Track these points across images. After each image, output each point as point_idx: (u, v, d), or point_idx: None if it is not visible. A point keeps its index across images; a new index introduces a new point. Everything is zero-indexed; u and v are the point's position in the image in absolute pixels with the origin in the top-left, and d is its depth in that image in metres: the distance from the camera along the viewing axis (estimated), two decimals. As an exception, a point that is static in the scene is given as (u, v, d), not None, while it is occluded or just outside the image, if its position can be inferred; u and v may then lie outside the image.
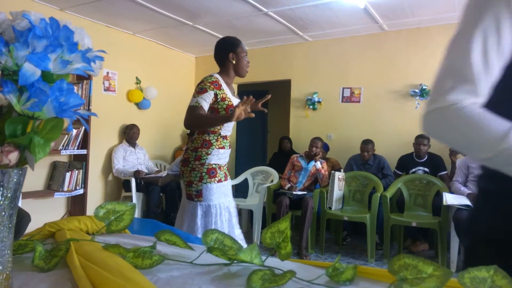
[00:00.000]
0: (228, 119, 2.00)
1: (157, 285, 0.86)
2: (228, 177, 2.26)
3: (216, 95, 2.08)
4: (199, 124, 2.10)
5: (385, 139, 4.49)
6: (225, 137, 2.19)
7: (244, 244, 2.20)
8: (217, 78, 2.12)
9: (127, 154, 4.63)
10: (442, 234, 3.24)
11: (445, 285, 0.73)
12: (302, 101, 5.18)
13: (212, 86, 2.08)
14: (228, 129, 2.20)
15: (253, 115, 1.99)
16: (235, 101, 2.16)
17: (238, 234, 2.21)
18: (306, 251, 3.61)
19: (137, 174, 4.39)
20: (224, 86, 2.14)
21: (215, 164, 2.13)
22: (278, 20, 4.29)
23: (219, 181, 2.15)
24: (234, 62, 2.17)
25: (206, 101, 2.05)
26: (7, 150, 0.72)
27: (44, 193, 3.90)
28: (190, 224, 2.10)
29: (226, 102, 2.11)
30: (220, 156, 2.17)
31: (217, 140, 2.14)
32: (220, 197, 2.14)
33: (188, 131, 5.21)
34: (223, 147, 2.17)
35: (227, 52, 2.17)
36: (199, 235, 1.99)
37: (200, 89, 2.07)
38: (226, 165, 2.26)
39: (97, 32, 4.39)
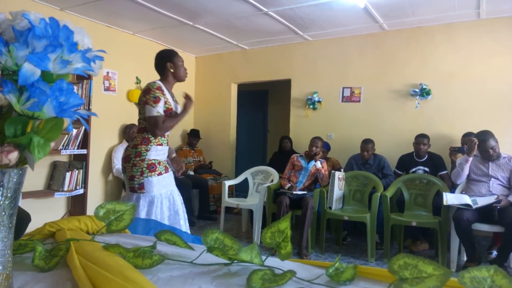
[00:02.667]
0: (183, 114, 2.42)
1: (157, 284, 0.86)
2: (169, 170, 2.50)
3: (162, 99, 2.36)
4: (167, 129, 2.38)
5: (385, 139, 4.49)
6: (162, 135, 2.43)
7: (188, 230, 2.42)
8: (160, 85, 2.39)
9: (127, 154, 4.63)
10: (442, 233, 3.24)
11: (445, 285, 0.73)
12: (302, 101, 5.18)
13: (160, 93, 2.35)
14: None
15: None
16: (173, 105, 2.43)
17: (182, 217, 2.46)
18: (306, 250, 3.61)
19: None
20: (165, 91, 2.41)
21: (154, 159, 2.37)
22: (278, 19, 4.28)
23: (159, 174, 2.38)
24: (172, 70, 2.45)
25: (162, 109, 2.35)
26: (7, 150, 0.72)
27: (44, 193, 3.90)
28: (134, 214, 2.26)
29: (167, 105, 2.38)
30: (159, 152, 2.41)
31: (155, 138, 2.38)
32: (161, 188, 2.38)
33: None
34: (161, 144, 2.42)
35: (165, 62, 2.45)
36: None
37: (155, 99, 2.32)
38: (166, 160, 2.50)
39: (97, 32, 4.39)
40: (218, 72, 5.85)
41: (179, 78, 2.49)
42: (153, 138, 2.37)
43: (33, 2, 3.76)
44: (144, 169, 2.32)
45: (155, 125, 2.32)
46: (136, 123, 4.72)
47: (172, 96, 2.48)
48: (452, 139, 4.14)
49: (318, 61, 5.08)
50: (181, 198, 2.54)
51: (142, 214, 2.32)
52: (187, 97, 2.47)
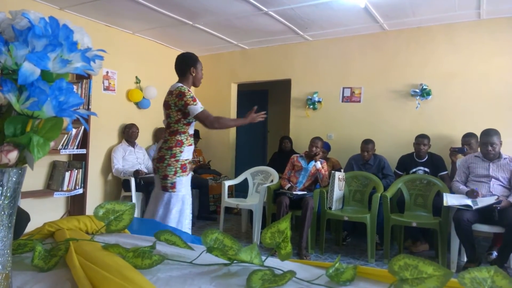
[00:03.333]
0: (243, 121, 2.57)
1: (157, 285, 0.86)
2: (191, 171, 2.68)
3: None
4: (225, 124, 2.57)
5: (386, 139, 4.49)
6: (191, 136, 2.61)
7: (189, 230, 2.60)
8: (188, 88, 2.55)
9: (127, 153, 4.62)
10: (443, 234, 3.24)
11: (445, 286, 0.73)
12: (302, 101, 5.18)
13: (192, 94, 2.51)
14: (193, 128, 2.62)
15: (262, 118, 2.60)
16: None
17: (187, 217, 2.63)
18: (306, 251, 3.60)
19: (136, 173, 4.39)
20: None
21: (185, 159, 2.55)
22: (278, 19, 4.28)
23: (187, 174, 2.58)
24: (193, 75, 2.62)
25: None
26: (6, 150, 0.72)
27: (43, 192, 3.89)
28: (165, 211, 2.49)
29: None
30: (190, 152, 2.59)
31: (187, 139, 2.56)
32: (187, 188, 2.60)
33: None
34: (191, 145, 2.60)
35: (189, 66, 2.61)
36: (174, 220, 2.49)
37: (192, 98, 2.48)
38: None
39: (96, 32, 4.39)
40: (218, 72, 5.85)
41: (197, 83, 2.68)
42: (185, 139, 2.53)
43: (32, 1, 3.75)
44: (177, 169, 2.50)
45: (207, 118, 2.49)
46: (136, 124, 4.79)
47: None
48: (453, 140, 4.13)
49: (318, 61, 5.08)
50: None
51: (174, 212, 2.50)
52: (254, 111, 2.61)
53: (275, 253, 0.98)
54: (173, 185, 2.51)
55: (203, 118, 2.48)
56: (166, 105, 2.56)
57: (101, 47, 0.87)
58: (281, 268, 0.91)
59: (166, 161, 2.50)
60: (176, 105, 2.50)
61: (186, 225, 2.54)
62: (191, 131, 2.59)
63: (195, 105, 2.46)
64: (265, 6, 3.88)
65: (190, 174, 2.64)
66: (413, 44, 4.47)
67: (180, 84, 2.55)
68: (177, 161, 2.50)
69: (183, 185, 2.54)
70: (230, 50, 5.69)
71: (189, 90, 2.52)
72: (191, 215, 2.64)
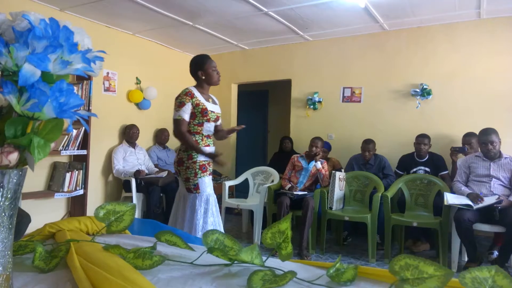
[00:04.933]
0: (203, 152, 2.51)
1: (158, 285, 0.86)
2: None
3: (192, 103, 2.52)
4: (181, 140, 2.54)
5: (386, 139, 4.49)
6: (208, 137, 2.62)
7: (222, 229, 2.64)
8: (190, 90, 2.57)
9: (127, 154, 4.62)
10: (443, 234, 3.24)
11: (446, 285, 0.73)
12: (302, 101, 5.18)
13: (188, 98, 2.52)
14: (209, 129, 2.61)
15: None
16: (208, 105, 2.58)
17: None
18: (307, 251, 3.60)
19: (137, 174, 4.39)
20: (197, 94, 2.56)
21: (204, 160, 2.54)
22: (278, 19, 4.28)
23: (210, 174, 2.60)
24: (203, 77, 2.62)
25: (186, 113, 2.51)
26: (7, 151, 0.72)
27: (44, 193, 3.89)
28: (192, 212, 2.52)
29: (201, 106, 2.53)
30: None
31: (202, 140, 2.57)
32: (211, 186, 2.61)
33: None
34: (208, 145, 2.60)
35: (196, 70, 2.63)
36: (200, 221, 2.50)
37: (180, 103, 2.51)
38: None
39: (97, 33, 4.39)
40: (218, 73, 5.85)
41: (211, 84, 2.66)
42: (200, 140, 2.56)
43: (33, 2, 3.76)
44: (197, 170, 2.52)
45: (174, 127, 2.54)
46: (136, 125, 4.79)
47: (207, 99, 2.63)
48: (453, 139, 4.13)
49: (318, 61, 5.08)
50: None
51: (200, 213, 2.52)
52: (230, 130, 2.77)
53: (276, 254, 0.99)
54: (196, 187, 2.53)
55: (174, 126, 2.54)
56: None
57: (101, 48, 0.87)
58: (282, 269, 0.91)
59: (185, 163, 2.52)
60: None
61: (210, 224, 2.57)
62: (205, 132, 2.58)
63: (176, 111, 2.51)
64: (265, 6, 3.88)
65: (211, 175, 2.64)
66: (413, 44, 4.47)
67: (187, 87, 2.59)
68: (194, 162, 2.51)
69: (206, 184, 2.56)
70: (230, 50, 5.69)
71: (187, 94, 2.52)
72: (219, 214, 2.66)
